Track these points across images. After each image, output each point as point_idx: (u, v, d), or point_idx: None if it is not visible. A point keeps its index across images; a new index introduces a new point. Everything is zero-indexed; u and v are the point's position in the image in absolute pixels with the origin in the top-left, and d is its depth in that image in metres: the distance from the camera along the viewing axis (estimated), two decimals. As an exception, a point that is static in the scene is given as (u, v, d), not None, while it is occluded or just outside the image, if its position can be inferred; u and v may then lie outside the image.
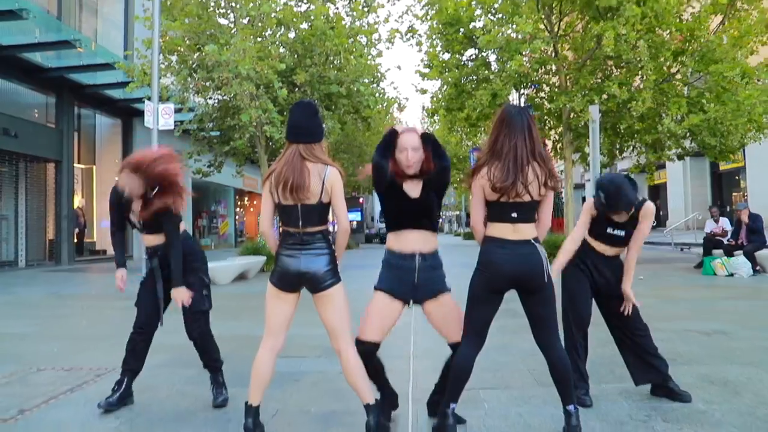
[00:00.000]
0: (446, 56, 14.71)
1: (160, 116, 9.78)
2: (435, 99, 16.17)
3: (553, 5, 13.23)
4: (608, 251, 3.39)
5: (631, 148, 14.73)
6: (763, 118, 12.05)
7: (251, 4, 11.64)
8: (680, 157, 14.83)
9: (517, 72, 12.30)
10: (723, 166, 24.45)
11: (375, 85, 14.04)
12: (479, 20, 13.85)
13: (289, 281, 2.73)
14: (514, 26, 12.36)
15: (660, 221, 27.63)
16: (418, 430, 2.97)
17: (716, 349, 4.52)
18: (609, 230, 3.32)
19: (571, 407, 2.68)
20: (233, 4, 12.23)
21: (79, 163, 18.26)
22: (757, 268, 9.89)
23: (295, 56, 12.86)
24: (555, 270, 3.13)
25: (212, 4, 12.68)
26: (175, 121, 11.26)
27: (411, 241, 2.87)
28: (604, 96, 12.45)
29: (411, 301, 2.92)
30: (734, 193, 25.38)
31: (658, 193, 31.89)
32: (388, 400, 3.08)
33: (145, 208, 3.26)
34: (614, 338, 3.51)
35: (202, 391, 3.62)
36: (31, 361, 4.58)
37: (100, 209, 19.25)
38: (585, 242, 3.41)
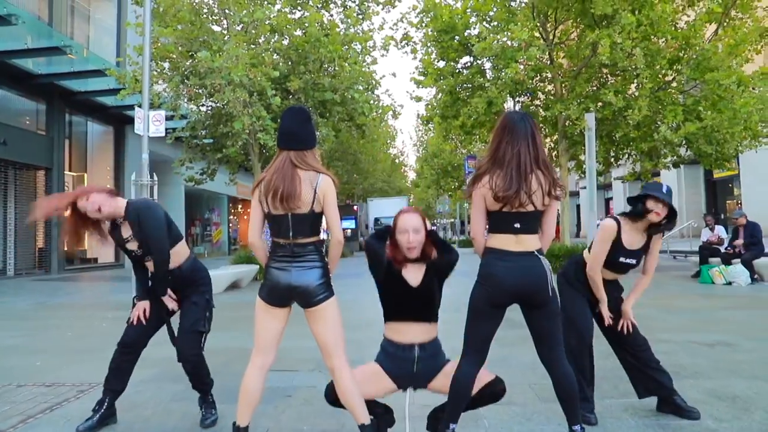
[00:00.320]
0: (441, 64, 14.65)
1: (150, 123, 9.62)
2: (430, 107, 16.11)
3: (549, 13, 13.20)
4: (609, 276, 3.28)
5: (627, 156, 14.69)
6: (759, 126, 12.04)
7: (244, 11, 11.53)
8: (675, 165, 14.79)
9: (512, 79, 12.24)
10: (717, 174, 24.49)
11: (370, 92, 13.92)
12: (474, 28, 13.82)
13: (279, 296, 2.58)
14: (510, 34, 12.31)
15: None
16: (415, 450, 2.82)
17: (720, 361, 4.39)
18: (621, 259, 3.17)
19: (577, 428, 2.54)
20: (226, 11, 12.12)
21: (70, 170, 18.04)
22: (755, 276, 9.82)
23: (289, 63, 12.74)
24: (605, 316, 3.22)
25: (205, 10, 12.57)
26: (167, 129, 11.11)
27: (410, 334, 2.72)
28: (600, 104, 12.41)
29: (411, 388, 2.79)
30: (728, 201, 25.41)
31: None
32: (382, 418, 2.92)
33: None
34: (614, 350, 3.40)
35: (190, 407, 3.46)
36: (11, 375, 4.40)
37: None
38: (584, 263, 3.28)
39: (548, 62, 13.62)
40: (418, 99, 16.45)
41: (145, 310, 3.22)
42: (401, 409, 3.36)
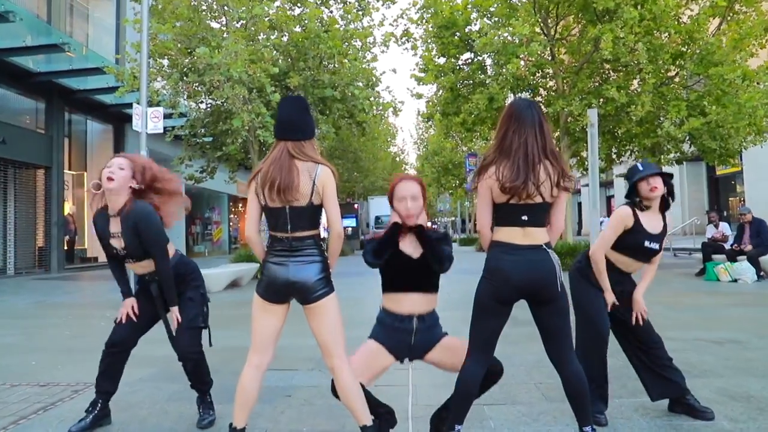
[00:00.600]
0: (442, 60, 14.53)
1: (149, 120, 9.51)
2: (430, 103, 16.00)
3: (550, 8, 13.08)
4: (631, 267, 3.16)
5: (629, 152, 14.57)
6: (764, 121, 11.91)
7: (243, 8, 11.43)
8: (678, 162, 14.68)
9: (513, 75, 12.13)
10: (720, 171, 24.35)
11: (370, 89, 13.81)
12: (475, 23, 13.69)
13: (276, 291, 2.48)
14: (511, 29, 12.19)
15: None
16: (419, 452, 2.72)
17: (731, 359, 4.29)
18: (647, 243, 3.06)
19: (588, 429, 2.43)
20: (225, 8, 12.02)
21: (69, 169, 17.96)
22: (762, 273, 9.70)
23: (289, 60, 12.64)
24: (608, 301, 3.09)
25: (204, 7, 12.46)
26: (166, 127, 11.01)
27: (408, 304, 2.63)
28: (602, 100, 12.30)
29: (406, 360, 2.71)
30: (731, 198, 25.28)
31: (654, 198, 31.73)
32: (384, 419, 2.82)
33: (126, 222, 2.98)
34: (626, 354, 3.27)
35: (187, 408, 3.37)
36: (6, 375, 4.31)
37: (91, 216, 18.94)
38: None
39: (549, 58, 13.50)
40: (419, 96, 16.35)
41: (133, 307, 3.11)
42: (404, 410, 3.27)
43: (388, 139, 36.50)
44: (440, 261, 2.57)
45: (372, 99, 13.65)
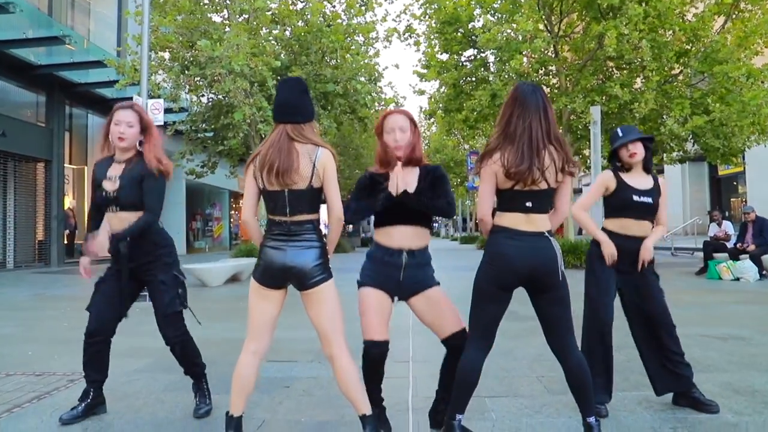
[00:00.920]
0: (444, 56, 14.48)
1: (149, 112, 9.47)
2: (433, 100, 15.94)
3: (554, 5, 13.02)
4: (634, 228, 3.08)
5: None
6: (768, 120, 11.86)
7: (245, 1, 11.37)
8: (681, 161, 14.61)
9: (516, 72, 12.08)
10: (722, 171, 24.28)
11: (372, 84, 13.76)
12: (478, 20, 13.64)
13: (273, 276, 2.42)
14: (514, 25, 12.14)
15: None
16: (419, 443, 2.67)
17: (735, 355, 4.24)
18: (635, 197, 3.06)
19: (592, 419, 2.38)
20: (227, 1, 11.96)
21: (70, 163, 17.90)
22: (764, 272, 9.64)
23: (291, 54, 12.59)
24: (602, 242, 3.08)
25: (206, 0, 12.41)
26: (167, 122, 10.96)
27: (399, 237, 2.58)
28: (606, 97, 12.23)
29: (395, 298, 2.65)
30: (732, 199, 25.21)
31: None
32: (381, 407, 2.77)
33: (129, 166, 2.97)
34: (638, 345, 3.19)
35: (183, 397, 3.32)
36: (1, 364, 4.26)
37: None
38: (608, 233, 3.13)
39: (553, 55, 13.44)
40: (421, 92, 16.32)
41: (88, 263, 3.09)
42: (404, 401, 3.23)
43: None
44: (442, 214, 2.58)
45: (374, 94, 13.60)
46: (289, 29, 12.56)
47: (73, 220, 18.06)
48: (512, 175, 2.36)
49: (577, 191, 35.59)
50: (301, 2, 13.22)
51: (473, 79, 14.24)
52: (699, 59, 11.84)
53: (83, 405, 2.97)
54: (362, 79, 13.00)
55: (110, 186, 2.96)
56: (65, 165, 17.18)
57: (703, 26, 11.75)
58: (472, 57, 14.49)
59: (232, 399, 2.45)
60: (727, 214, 23.20)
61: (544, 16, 12.95)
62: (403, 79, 41.22)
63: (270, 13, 11.96)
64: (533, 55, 12.83)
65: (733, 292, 8.18)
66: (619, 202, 3.11)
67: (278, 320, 2.56)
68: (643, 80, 12.16)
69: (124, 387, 3.60)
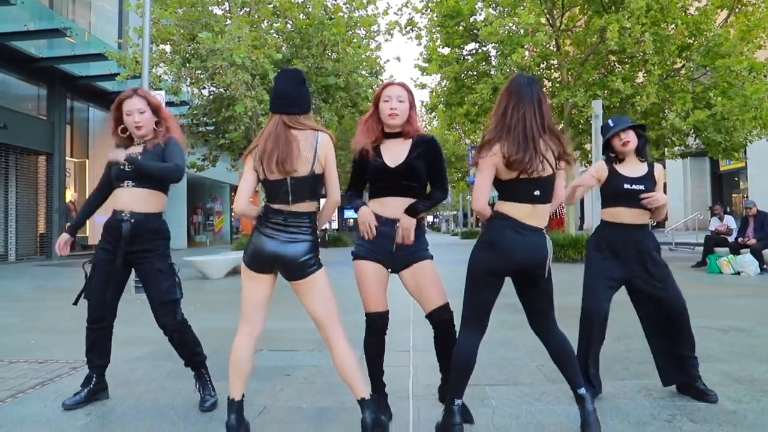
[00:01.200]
0: (446, 50, 14.45)
1: (151, 104, 9.46)
2: (434, 94, 15.92)
3: (556, -1, 12.99)
4: (626, 215, 3.06)
5: (634, 145, 14.48)
6: (770, 114, 11.82)
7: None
8: (683, 156, 14.58)
9: (518, 65, 12.05)
10: (723, 167, 24.26)
11: (374, 77, 13.73)
12: (480, 13, 13.60)
13: (261, 262, 2.43)
14: (516, 19, 12.11)
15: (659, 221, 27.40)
16: (419, 428, 2.69)
17: (735, 345, 4.25)
18: (627, 185, 3.06)
19: (582, 390, 2.47)
20: (228, -7, 11.94)
21: (71, 156, 17.93)
22: (765, 266, 9.64)
23: (292, 47, 12.56)
24: (573, 184, 3.11)
25: (208, -8, 12.38)
26: (167, 113, 10.94)
27: (393, 207, 2.63)
28: (607, 91, 12.21)
29: (389, 270, 2.69)
30: (734, 194, 25.18)
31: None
32: (382, 393, 2.79)
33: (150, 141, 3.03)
34: (648, 338, 3.17)
35: (185, 384, 3.34)
36: (4, 352, 4.30)
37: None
38: (603, 223, 3.15)
39: (555, 49, 13.41)
40: (423, 86, 16.28)
41: (66, 241, 3.11)
42: (405, 389, 3.25)
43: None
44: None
45: (375, 88, 13.57)
46: (291, 22, 12.53)
47: (74, 213, 18.11)
48: (513, 164, 2.37)
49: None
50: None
51: (475, 72, 14.22)
52: (701, 53, 11.81)
53: (86, 390, 3.00)
54: (364, 72, 12.98)
55: (126, 158, 2.94)
56: (66, 158, 17.22)
57: (705, 20, 11.71)
58: (474, 51, 14.46)
59: (231, 382, 2.47)
60: (728, 209, 23.18)
61: (545, 10, 12.92)
62: (405, 72, 41.21)
63: (271, 5, 11.94)
64: (535, 49, 12.80)
65: (733, 285, 8.19)
66: (611, 191, 3.13)
67: (279, 313, 2.58)
68: (645, 74, 12.12)
69: (126, 374, 3.62)
